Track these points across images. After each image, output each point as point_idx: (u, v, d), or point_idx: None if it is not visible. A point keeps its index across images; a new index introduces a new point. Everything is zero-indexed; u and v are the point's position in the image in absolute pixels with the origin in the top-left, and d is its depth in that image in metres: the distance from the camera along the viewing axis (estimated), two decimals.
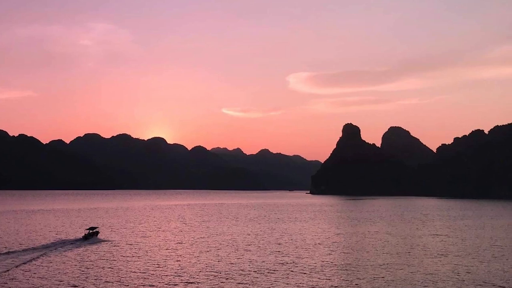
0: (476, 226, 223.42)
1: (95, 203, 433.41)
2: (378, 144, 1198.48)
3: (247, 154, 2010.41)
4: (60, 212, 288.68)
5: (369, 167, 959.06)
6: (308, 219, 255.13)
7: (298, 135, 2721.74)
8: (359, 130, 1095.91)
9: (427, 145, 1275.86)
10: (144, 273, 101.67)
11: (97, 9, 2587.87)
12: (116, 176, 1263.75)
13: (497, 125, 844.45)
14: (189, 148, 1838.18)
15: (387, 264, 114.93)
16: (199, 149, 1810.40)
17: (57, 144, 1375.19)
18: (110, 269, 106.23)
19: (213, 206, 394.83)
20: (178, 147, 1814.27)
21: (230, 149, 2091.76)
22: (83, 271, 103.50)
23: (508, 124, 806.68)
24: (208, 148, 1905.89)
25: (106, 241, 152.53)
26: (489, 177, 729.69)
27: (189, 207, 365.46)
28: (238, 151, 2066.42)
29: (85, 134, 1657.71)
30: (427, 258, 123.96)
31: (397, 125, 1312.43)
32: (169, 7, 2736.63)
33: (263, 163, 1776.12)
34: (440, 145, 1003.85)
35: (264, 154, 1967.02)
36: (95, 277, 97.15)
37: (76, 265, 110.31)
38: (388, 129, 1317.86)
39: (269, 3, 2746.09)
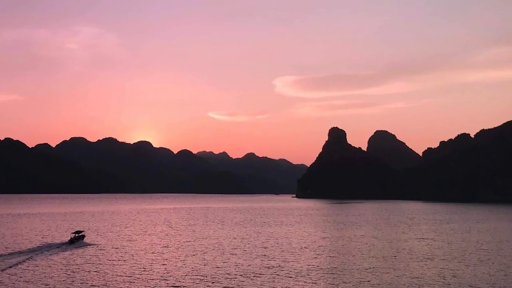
0: (462, 229, 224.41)
1: (81, 206, 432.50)
2: (364, 148, 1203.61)
3: (233, 158, 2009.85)
4: (46, 216, 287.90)
5: (355, 171, 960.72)
6: (294, 223, 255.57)
7: (284, 138, 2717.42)
8: (345, 133, 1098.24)
9: (413, 149, 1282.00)
10: (130, 276, 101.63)
11: (83, 12, 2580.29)
12: (102, 180, 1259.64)
13: (483, 129, 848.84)
14: (175, 152, 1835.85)
15: (373, 267, 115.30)
16: (185, 153, 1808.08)
17: (43, 147, 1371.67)
18: (96, 272, 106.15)
19: (199, 209, 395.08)
20: (164, 151, 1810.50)
21: (216, 153, 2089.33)
22: (69, 275, 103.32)
23: (494, 128, 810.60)
24: (194, 152, 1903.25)
25: (92, 244, 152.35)
26: (475, 181, 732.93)
27: (175, 211, 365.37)
28: (224, 154, 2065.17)
29: (71, 138, 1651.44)
30: (413, 262, 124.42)
31: (383, 129, 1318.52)
32: (156, 11, 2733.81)
33: (249, 167, 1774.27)
34: (426, 149, 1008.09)
35: (250, 157, 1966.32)
36: (81, 281, 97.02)
37: (62, 269, 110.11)
38: (374, 132, 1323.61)
39: (256, 7, 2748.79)
